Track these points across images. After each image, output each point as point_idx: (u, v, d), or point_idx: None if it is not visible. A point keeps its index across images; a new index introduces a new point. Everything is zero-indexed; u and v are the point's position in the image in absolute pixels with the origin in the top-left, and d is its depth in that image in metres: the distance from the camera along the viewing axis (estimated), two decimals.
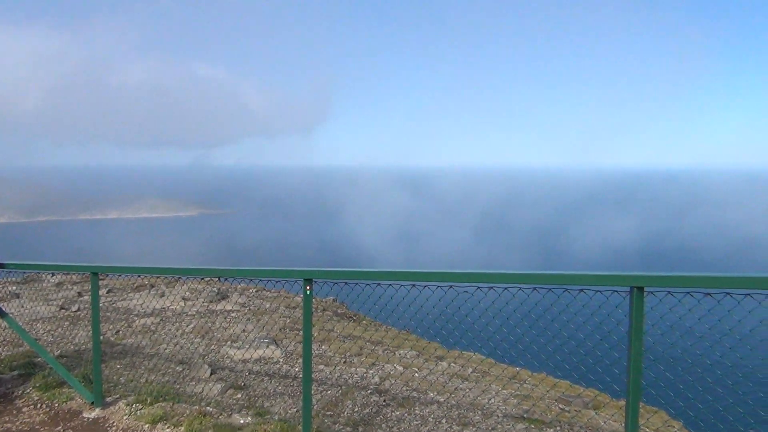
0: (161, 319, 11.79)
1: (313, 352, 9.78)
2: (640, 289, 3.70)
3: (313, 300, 16.04)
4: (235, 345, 9.50)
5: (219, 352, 9.31)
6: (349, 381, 7.89)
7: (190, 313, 12.56)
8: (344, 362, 8.94)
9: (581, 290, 3.94)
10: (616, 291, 3.85)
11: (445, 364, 9.94)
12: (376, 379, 8.04)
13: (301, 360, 8.95)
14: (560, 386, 10.90)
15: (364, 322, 13.86)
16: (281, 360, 8.91)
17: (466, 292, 4.34)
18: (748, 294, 3.47)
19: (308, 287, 5.00)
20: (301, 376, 8.15)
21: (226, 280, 14.69)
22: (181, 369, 8.30)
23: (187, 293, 14.23)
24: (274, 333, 10.60)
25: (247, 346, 9.27)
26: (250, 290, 16.51)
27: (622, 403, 8.59)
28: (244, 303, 14.27)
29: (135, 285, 15.44)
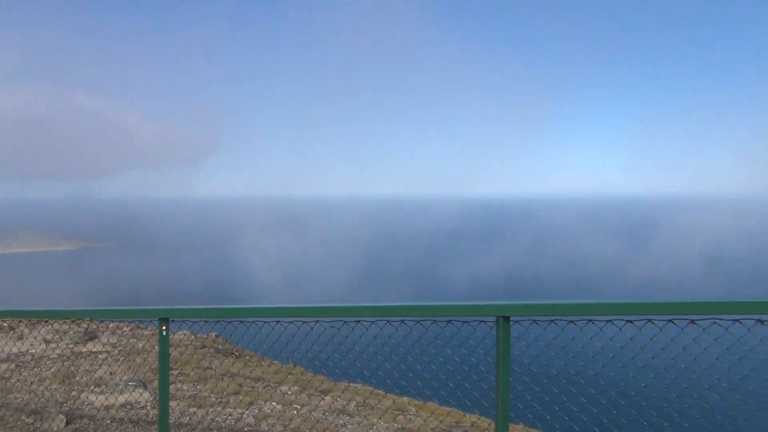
0: (17, 365, 10.68)
1: (185, 393, 9.19)
2: (506, 318, 3.64)
3: (194, 336, 15.22)
4: (97, 390, 8.70)
5: (79, 398, 8.49)
6: (222, 424, 7.40)
7: (51, 356, 11.47)
8: (219, 403, 8.41)
9: (448, 321, 3.83)
10: (483, 321, 3.78)
11: (329, 398, 9.62)
12: (251, 420, 7.59)
13: (171, 403, 8.34)
14: (440, 413, 10.91)
15: (247, 357, 13.27)
16: (149, 404, 8.24)
17: (333, 327, 4.12)
18: (610, 320, 3.48)
19: (164, 327, 4.59)
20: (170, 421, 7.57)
21: (92, 320, 13.65)
22: (32, 420, 7.47)
23: (50, 335, 13.04)
24: (144, 375, 9.84)
25: (112, 391, 8.52)
26: (124, 329, 15.43)
27: None
28: (115, 343, 13.27)
29: None
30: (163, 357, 4.67)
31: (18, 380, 9.61)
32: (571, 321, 3.53)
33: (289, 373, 11.78)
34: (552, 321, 3.59)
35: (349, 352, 4.93)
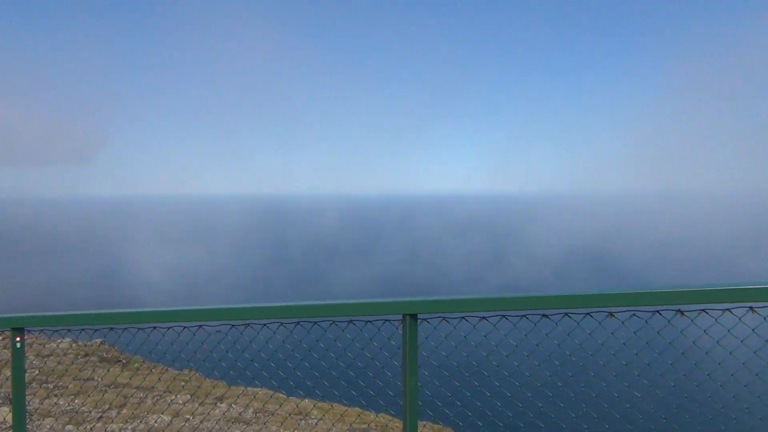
0: None
1: (61, 408, 8.27)
2: (413, 316, 3.28)
3: (75, 344, 14.00)
4: None
5: None
6: None
7: None
8: (100, 418, 7.60)
9: (350, 321, 3.43)
10: (388, 320, 3.40)
11: (224, 405, 8.99)
12: None
13: (44, 420, 7.46)
14: (349, 415, 10.52)
15: (135, 365, 12.31)
16: None
17: (219, 332, 3.61)
18: (524, 315, 3.20)
19: (18, 338, 3.90)
20: None
21: None
22: None
23: None
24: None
25: None
26: None
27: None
28: None
29: None
30: (18, 373, 3.98)
31: None
32: (484, 317, 3.22)
33: (183, 381, 11.01)
34: (463, 318, 3.27)
35: (244, 351, 4.40)
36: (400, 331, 3.32)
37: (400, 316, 3.31)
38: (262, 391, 10.75)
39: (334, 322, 3.47)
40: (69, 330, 4.23)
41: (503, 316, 3.22)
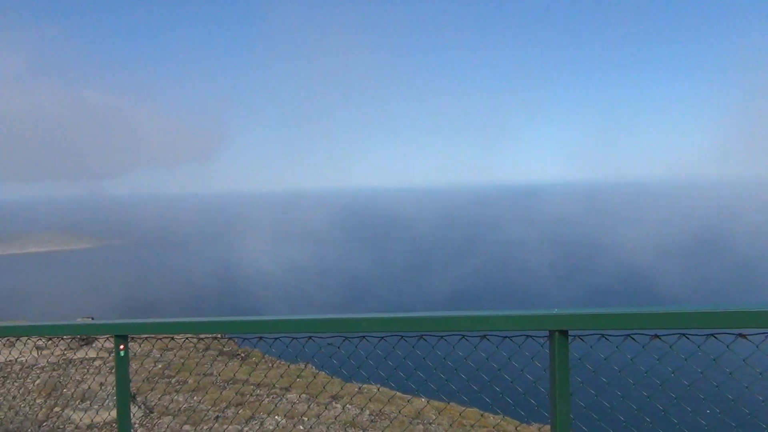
0: (3, 376, 9.88)
1: (180, 406, 8.30)
2: (564, 332, 2.65)
3: (194, 339, 14.36)
4: (82, 406, 7.83)
5: (61, 416, 7.62)
6: None
7: (41, 365, 10.66)
8: (217, 418, 7.50)
9: (484, 336, 2.85)
10: (531, 336, 2.80)
11: (339, 406, 8.69)
12: None
13: (163, 419, 7.46)
14: (466, 417, 9.94)
15: (253, 359, 12.37)
16: (137, 422, 7.35)
17: (330, 344, 3.16)
18: (711, 335, 2.47)
19: (121, 346, 3.66)
20: None
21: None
22: None
23: (42, 340, 12.22)
24: (137, 385, 8.97)
25: (98, 406, 7.64)
26: None
27: None
28: (112, 348, 12.44)
29: None
30: (122, 382, 3.75)
31: (0, 394, 8.78)
32: (657, 336, 2.53)
33: (298, 377, 10.88)
34: (629, 336, 2.60)
35: (360, 366, 3.92)
36: (547, 351, 2.71)
37: (545, 332, 2.69)
38: (379, 391, 10.41)
39: (464, 336, 2.91)
40: (172, 338, 3.94)
41: (683, 334, 2.51)
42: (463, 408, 9.87)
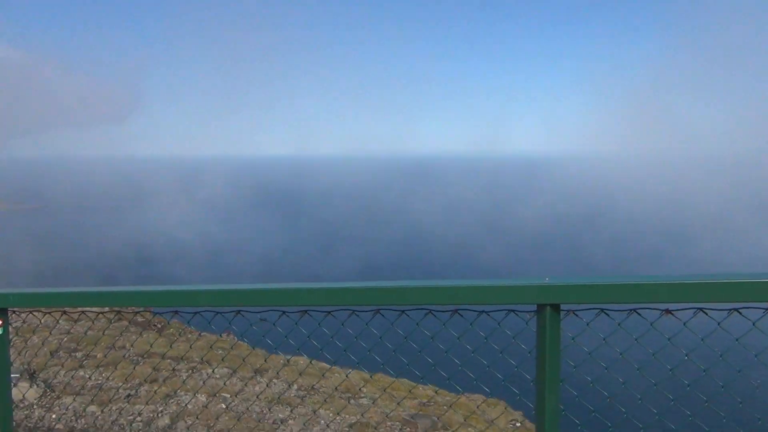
0: None
1: (87, 383, 7.49)
2: (555, 306, 2.18)
3: (107, 307, 13.38)
4: None
5: None
6: (127, 429, 5.79)
7: None
8: (128, 397, 6.77)
9: (455, 311, 2.34)
10: (515, 311, 2.31)
11: (264, 381, 8.10)
12: (167, 420, 6.00)
13: (64, 399, 6.66)
14: (396, 388, 9.58)
15: (171, 330, 11.54)
16: (35, 402, 6.52)
17: (265, 320, 2.57)
18: (736, 310, 2.04)
19: (0, 321, 2.94)
20: (57, 426, 5.91)
21: None
22: None
23: None
24: (38, 360, 8.06)
25: None
26: None
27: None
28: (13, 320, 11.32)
29: None
30: (2, 362, 3.03)
31: None
32: (668, 311, 2.09)
33: (221, 349, 10.19)
34: (633, 310, 2.15)
35: (309, 336, 3.34)
36: (534, 328, 2.23)
37: (533, 307, 2.21)
38: (303, 361, 9.87)
39: (431, 311, 2.39)
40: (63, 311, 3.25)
41: (700, 309, 2.09)
42: (392, 380, 9.52)
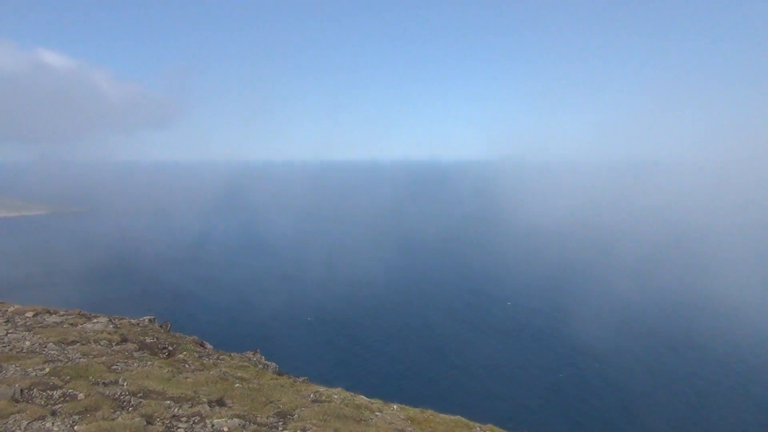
0: None
1: None
2: None
3: (119, 322, 11.64)
4: None
5: None
6: None
7: None
8: None
9: None
10: None
11: None
12: None
13: None
14: None
15: (183, 354, 9.73)
16: None
17: None
18: None
19: None
20: None
21: None
22: None
23: None
24: (11, 393, 6.32)
25: None
26: (27, 312, 11.80)
27: None
28: (2, 337, 9.71)
29: None
30: None
31: None
32: None
33: (238, 381, 8.31)
34: None
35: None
36: None
37: None
38: (342, 400, 7.95)
39: None
40: None
41: None
42: None
